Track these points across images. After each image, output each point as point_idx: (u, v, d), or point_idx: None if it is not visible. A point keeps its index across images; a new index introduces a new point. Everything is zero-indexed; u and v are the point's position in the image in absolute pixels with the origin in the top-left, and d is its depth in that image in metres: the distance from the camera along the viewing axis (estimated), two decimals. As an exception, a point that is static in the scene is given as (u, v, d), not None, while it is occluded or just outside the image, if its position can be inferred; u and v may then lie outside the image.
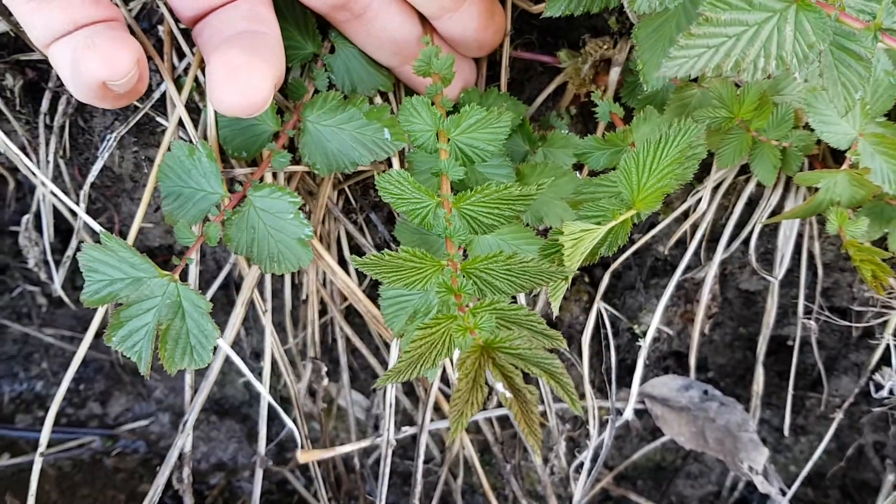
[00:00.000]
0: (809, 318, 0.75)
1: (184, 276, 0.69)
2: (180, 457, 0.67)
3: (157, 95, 0.69)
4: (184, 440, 0.69)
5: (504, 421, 0.79)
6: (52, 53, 0.49)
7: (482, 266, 0.52)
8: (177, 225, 0.61)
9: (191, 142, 0.67)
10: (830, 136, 0.63)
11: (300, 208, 0.60)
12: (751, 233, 0.72)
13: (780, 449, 0.92)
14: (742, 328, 0.88)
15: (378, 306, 0.65)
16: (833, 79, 0.54)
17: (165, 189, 0.62)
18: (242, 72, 0.48)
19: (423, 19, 0.61)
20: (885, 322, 0.74)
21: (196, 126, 0.70)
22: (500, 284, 0.53)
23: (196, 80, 0.70)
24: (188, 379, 0.68)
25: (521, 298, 0.74)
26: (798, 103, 0.65)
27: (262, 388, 0.71)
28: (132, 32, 0.62)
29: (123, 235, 0.66)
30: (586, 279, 0.84)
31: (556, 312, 0.58)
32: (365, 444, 0.72)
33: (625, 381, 0.86)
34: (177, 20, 0.65)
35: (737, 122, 0.63)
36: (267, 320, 0.72)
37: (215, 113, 0.65)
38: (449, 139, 0.59)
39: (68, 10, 0.48)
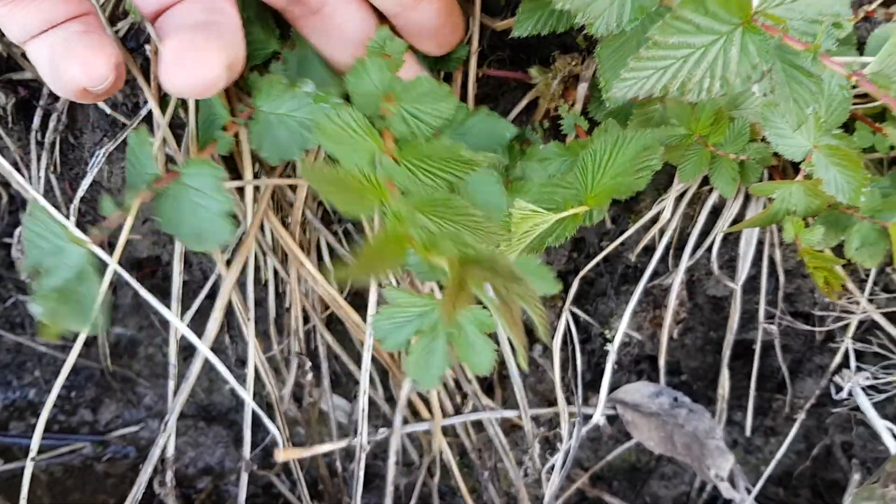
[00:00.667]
0: (772, 323, 0.78)
1: (166, 289, 0.72)
2: (163, 460, 0.70)
3: (143, 113, 0.72)
4: (165, 440, 0.71)
5: (479, 426, 0.82)
6: (30, 51, 0.52)
7: (425, 209, 0.52)
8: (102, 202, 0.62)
9: (172, 159, 0.70)
10: (785, 149, 0.66)
11: (224, 183, 0.60)
12: (713, 241, 0.75)
13: (752, 450, 0.95)
14: (712, 332, 0.91)
15: (360, 314, 0.68)
16: (785, 95, 0.57)
17: (130, 180, 0.62)
18: (191, 52, 0.49)
19: (382, 17, 0.61)
20: (846, 326, 0.77)
21: (179, 142, 0.73)
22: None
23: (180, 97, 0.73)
24: (171, 385, 0.71)
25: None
26: (755, 117, 0.68)
27: (246, 394, 0.74)
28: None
29: (111, 247, 0.69)
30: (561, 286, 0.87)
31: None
32: (342, 444, 0.75)
33: (599, 385, 0.89)
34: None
35: (695, 138, 0.66)
36: (250, 328, 0.74)
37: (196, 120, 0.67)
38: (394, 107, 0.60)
39: (42, 10, 0.50)
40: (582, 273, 0.80)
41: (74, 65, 0.49)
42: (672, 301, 0.79)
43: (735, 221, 0.76)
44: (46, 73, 0.51)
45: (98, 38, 0.51)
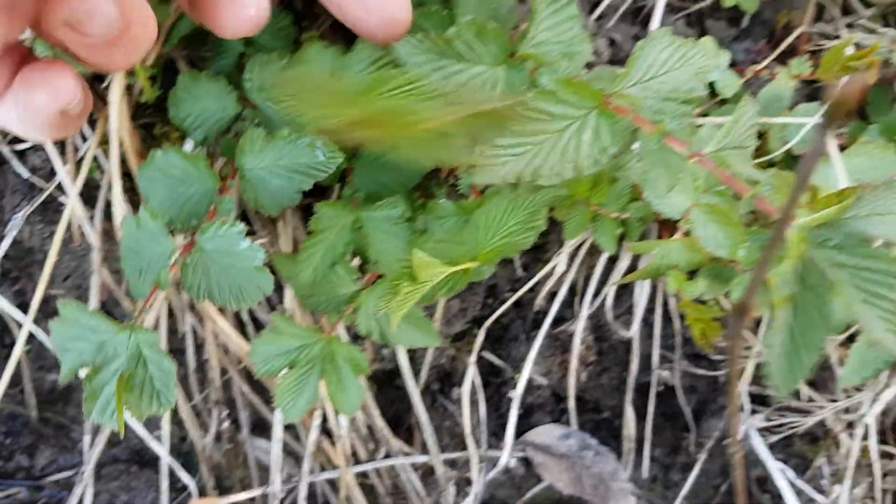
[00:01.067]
0: (669, 369, 0.81)
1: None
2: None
3: (58, 179, 0.75)
4: (82, 490, 0.74)
5: (392, 471, 0.85)
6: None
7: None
8: (132, 284, 0.62)
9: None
10: (665, 208, 0.70)
11: (248, 234, 0.61)
12: (607, 292, 0.78)
13: (670, 485, 0.98)
14: (625, 372, 0.94)
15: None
16: (653, 162, 0.60)
17: (131, 270, 0.62)
18: None
19: None
20: (742, 369, 0.81)
21: (93, 204, 0.76)
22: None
23: (95, 158, 0.76)
24: (86, 439, 0.73)
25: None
26: (636, 178, 0.71)
27: (161, 449, 0.76)
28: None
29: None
30: (475, 332, 0.91)
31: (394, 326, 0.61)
32: (256, 493, 0.78)
33: (518, 427, 0.91)
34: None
35: (577, 199, 0.69)
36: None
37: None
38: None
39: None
40: (489, 321, 0.83)
41: (43, 94, 0.46)
42: (576, 347, 0.83)
43: (630, 270, 0.79)
44: (23, 128, 0.49)
45: (44, 64, 0.48)
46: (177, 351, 0.85)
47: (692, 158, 0.54)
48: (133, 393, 0.57)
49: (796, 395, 0.85)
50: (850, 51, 0.76)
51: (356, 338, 0.81)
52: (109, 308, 0.85)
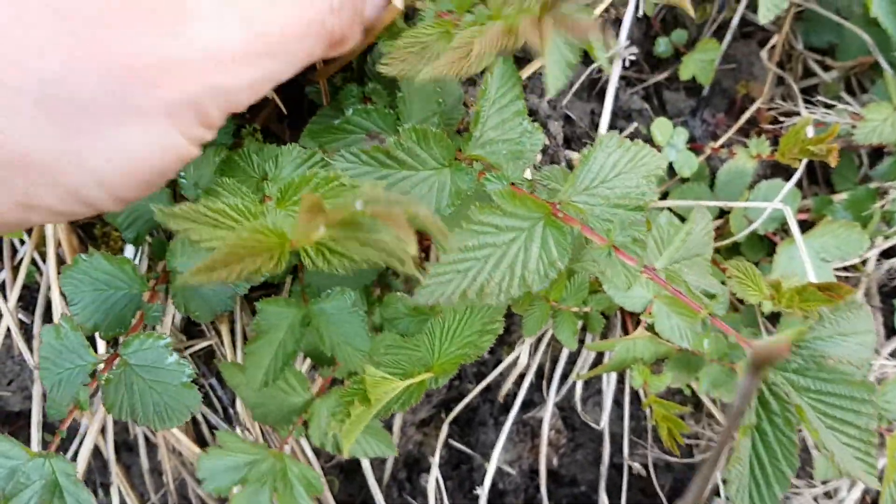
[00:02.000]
0: (642, 453, 0.78)
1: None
2: None
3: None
4: None
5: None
6: None
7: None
8: (50, 399, 0.59)
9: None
10: (626, 301, 0.67)
11: (175, 349, 0.58)
12: (574, 382, 0.76)
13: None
14: (600, 447, 0.91)
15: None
16: (608, 265, 0.57)
17: (48, 381, 0.59)
18: None
19: None
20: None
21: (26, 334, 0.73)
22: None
23: (34, 261, 0.73)
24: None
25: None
26: (594, 271, 0.69)
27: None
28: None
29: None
30: (442, 415, 0.87)
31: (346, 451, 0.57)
32: None
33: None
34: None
35: (535, 295, 0.67)
36: (113, 479, 0.73)
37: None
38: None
39: None
40: (453, 414, 0.80)
41: None
42: (545, 433, 0.80)
43: (596, 363, 0.76)
44: None
45: None
46: (129, 449, 0.81)
47: (643, 273, 0.52)
48: None
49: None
50: (809, 131, 0.74)
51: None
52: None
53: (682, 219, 0.75)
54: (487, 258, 0.52)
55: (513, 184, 0.55)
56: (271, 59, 0.43)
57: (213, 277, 0.37)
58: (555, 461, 0.83)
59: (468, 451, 0.84)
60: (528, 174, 0.68)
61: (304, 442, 0.74)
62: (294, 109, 0.73)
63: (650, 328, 0.70)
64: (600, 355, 0.77)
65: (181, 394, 0.57)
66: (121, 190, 0.41)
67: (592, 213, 0.55)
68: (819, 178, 0.88)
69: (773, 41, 0.84)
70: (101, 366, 0.58)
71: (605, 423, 0.76)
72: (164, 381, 0.57)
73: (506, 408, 0.86)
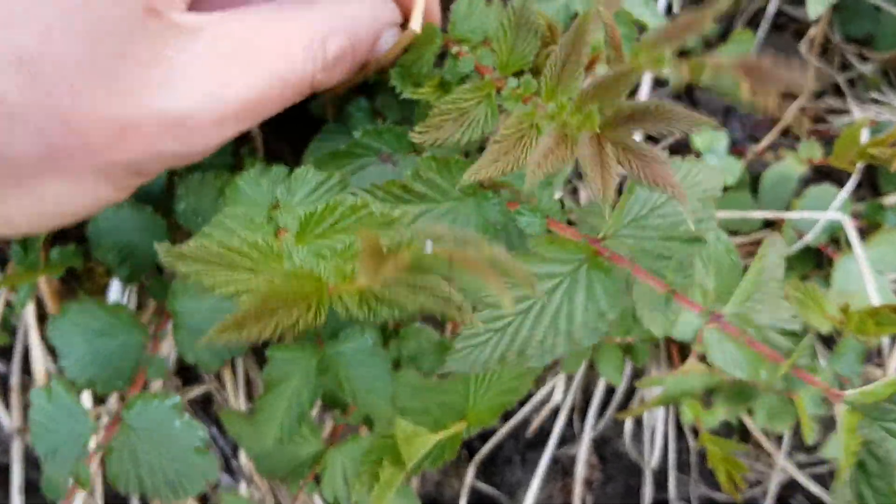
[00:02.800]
0: (685, 490, 0.71)
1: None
2: None
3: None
4: None
5: None
6: None
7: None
8: (47, 470, 0.53)
9: None
10: (675, 331, 0.60)
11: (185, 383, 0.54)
12: (610, 415, 0.69)
13: None
14: (631, 481, 0.84)
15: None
16: (671, 310, 0.50)
17: (42, 448, 0.52)
18: None
19: None
20: (766, 492, 0.71)
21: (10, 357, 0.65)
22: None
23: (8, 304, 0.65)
24: None
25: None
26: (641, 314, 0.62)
27: None
28: None
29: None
30: (465, 453, 0.80)
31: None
32: None
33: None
34: None
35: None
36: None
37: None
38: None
39: None
40: (481, 454, 0.73)
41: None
42: (580, 472, 0.73)
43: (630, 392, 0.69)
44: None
45: None
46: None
47: (710, 324, 0.45)
48: None
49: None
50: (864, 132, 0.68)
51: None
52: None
53: (728, 232, 0.68)
54: (527, 312, 0.44)
55: (547, 216, 0.47)
56: (237, 122, 0.38)
57: (245, 336, 0.30)
58: (588, 499, 0.76)
59: (494, 491, 0.77)
60: (556, 195, 0.61)
61: (316, 499, 0.67)
62: (295, 117, 0.65)
63: (702, 358, 0.63)
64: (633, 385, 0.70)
65: (194, 460, 0.50)
66: (27, 230, 0.37)
67: (643, 248, 0.47)
68: (863, 180, 0.81)
69: (810, 32, 0.77)
70: (101, 433, 0.52)
71: (655, 462, 0.69)
72: (173, 447, 0.50)
73: (530, 444, 0.79)
